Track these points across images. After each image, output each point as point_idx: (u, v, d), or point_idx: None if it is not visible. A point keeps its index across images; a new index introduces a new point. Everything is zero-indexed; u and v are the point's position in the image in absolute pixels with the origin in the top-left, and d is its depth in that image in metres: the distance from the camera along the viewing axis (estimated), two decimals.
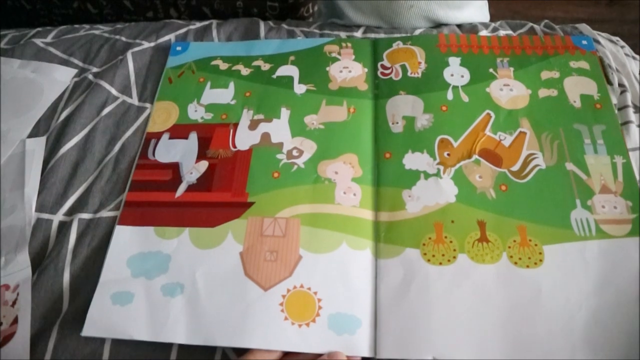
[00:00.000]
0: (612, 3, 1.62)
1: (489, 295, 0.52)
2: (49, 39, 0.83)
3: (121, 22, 0.87)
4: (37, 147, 0.68)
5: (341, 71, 0.72)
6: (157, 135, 0.68)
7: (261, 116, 0.69)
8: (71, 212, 0.63)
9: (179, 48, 0.79)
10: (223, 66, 0.75)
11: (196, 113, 0.70)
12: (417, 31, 0.78)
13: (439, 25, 0.80)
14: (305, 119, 0.68)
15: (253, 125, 0.67)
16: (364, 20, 0.82)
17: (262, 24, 0.83)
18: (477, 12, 0.83)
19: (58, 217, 0.62)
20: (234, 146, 0.66)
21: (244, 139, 0.66)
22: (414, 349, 0.50)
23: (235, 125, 0.68)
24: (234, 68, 0.75)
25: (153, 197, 0.62)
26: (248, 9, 0.96)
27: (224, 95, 0.72)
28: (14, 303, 0.55)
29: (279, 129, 0.67)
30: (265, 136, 0.66)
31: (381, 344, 0.50)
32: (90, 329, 0.52)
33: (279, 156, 0.64)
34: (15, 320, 0.54)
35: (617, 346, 0.49)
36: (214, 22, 0.84)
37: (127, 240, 0.59)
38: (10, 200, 0.63)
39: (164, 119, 0.70)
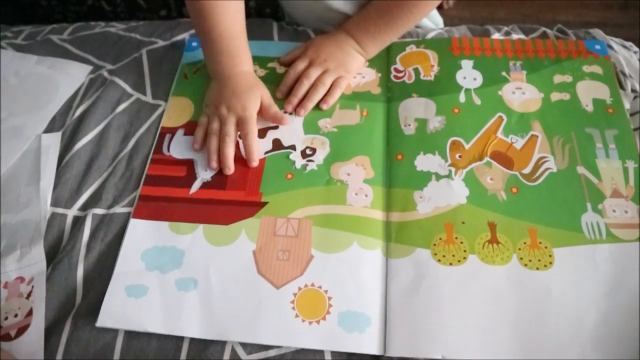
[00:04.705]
0: (626, 8, 1.61)
1: (498, 296, 0.53)
2: (65, 36, 0.84)
3: (135, 20, 0.88)
4: (52, 143, 0.69)
5: (355, 77, 0.73)
6: (172, 131, 0.69)
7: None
8: (85, 207, 0.63)
9: (194, 44, 0.79)
10: None
11: None
12: (430, 34, 0.79)
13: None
14: (319, 122, 0.68)
15: (262, 133, 0.68)
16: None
17: (275, 25, 0.83)
18: None
19: (72, 212, 0.63)
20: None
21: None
22: (423, 347, 0.50)
23: None
24: None
25: (167, 193, 0.63)
26: (261, 9, 0.97)
27: None
28: (29, 295, 0.56)
29: (289, 132, 0.68)
30: (276, 142, 0.67)
31: (391, 342, 0.51)
32: (104, 320, 0.53)
33: (292, 157, 0.65)
34: (30, 313, 0.55)
35: (627, 349, 0.49)
36: None
37: (141, 234, 0.59)
38: (25, 194, 0.64)
39: (179, 115, 0.70)
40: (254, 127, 0.66)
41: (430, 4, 0.71)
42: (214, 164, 0.64)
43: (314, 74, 0.70)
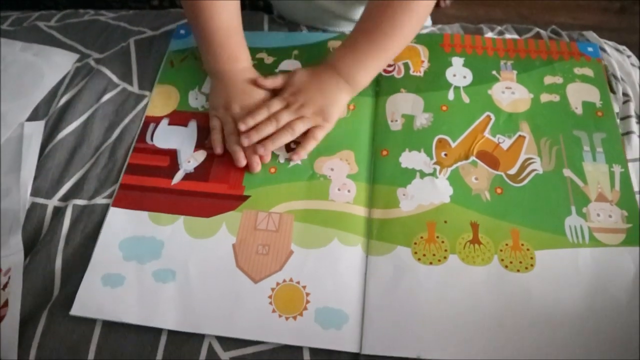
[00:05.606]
0: (622, 12, 1.61)
1: (477, 297, 0.52)
2: (52, 23, 0.83)
3: (126, 9, 0.87)
4: (35, 131, 0.68)
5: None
6: (157, 120, 0.68)
7: None
8: (66, 197, 0.62)
9: (182, 31, 0.78)
10: None
11: (197, 101, 0.70)
12: (422, 30, 0.78)
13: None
14: None
15: None
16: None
17: (266, 18, 0.82)
18: None
19: (53, 203, 0.62)
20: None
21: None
22: (400, 346, 0.50)
23: None
24: None
25: (149, 182, 0.62)
26: (254, 2, 0.96)
27: None
28: (5, 286, 0.55)
29: None
30: None
31: (367, 340, 0.50)
32: (79, 309, 0.52)
33: (276, 150, 0.64)
34: (6, 304, 0.54)
35: (606, 354, 0.49)
36: None
37: (120, 223, 0.59)
38: (5, 183, 0.63)
39: (164, 103, 0.70)
40: None
41: (421, 18, 0.65)
42: (244, 162, 0.62)
43: (285, 119, 0.63)
